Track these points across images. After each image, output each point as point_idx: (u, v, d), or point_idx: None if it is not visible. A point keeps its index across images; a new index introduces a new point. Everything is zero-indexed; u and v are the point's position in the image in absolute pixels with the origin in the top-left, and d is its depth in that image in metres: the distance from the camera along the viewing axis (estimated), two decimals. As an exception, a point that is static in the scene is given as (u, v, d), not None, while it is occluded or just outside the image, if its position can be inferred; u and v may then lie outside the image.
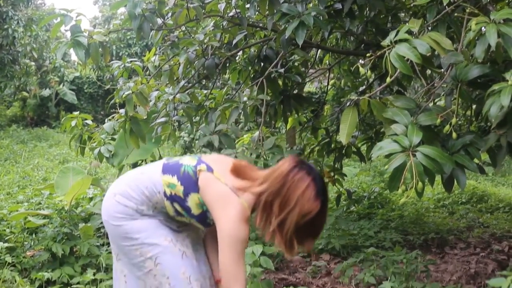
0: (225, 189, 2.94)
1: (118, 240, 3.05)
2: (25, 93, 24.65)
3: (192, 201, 2.99)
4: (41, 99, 24.64)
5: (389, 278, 4.93)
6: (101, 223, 5.74)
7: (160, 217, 3.09)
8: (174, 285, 3.00)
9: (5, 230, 5.59)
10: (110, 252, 5.13)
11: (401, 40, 3.30)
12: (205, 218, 3.03)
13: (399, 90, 5.89)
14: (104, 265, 5.00)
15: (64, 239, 5.17)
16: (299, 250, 3.12)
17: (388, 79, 3.46)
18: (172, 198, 3.00)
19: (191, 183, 2.98)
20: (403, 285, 4.76)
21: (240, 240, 2.88)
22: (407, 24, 3.51)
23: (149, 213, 3.05)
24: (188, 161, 3.08)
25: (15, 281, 4.72)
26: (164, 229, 3.08)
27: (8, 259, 5.01)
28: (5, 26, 18.75)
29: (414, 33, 3.42)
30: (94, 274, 4.83)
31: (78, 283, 4.75)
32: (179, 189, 2.99)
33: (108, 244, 5.34)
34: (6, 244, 5.18)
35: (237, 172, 3.02)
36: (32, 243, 5.47)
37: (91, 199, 6.33)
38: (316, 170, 3.04)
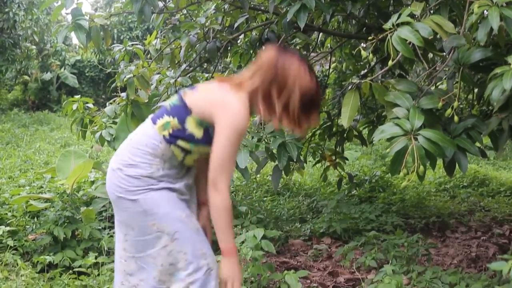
0: (217, 94, 2.98)
1: (135, 215, 3.00)
2: (26, 77, 24.62)
3: (190, 125, 2.97)
4: (42, 83, 24.61)
5: (390, 261, 4.93)
6: (103, 206, 5.77)
7: (174, 184, 3.06)
8: (190, 261, 2.99)
9: (7, 213, 5.60)
10: (111, 236, 5.14)
11: (403, 23, 3.30)
12: (210, 137, 2.95)
13: (401, 74, 5.87)
14: (106, 248, 5.00)
15: (66, 223, 5.17)
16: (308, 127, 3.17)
17: (390, 62, 3.45)
18: (173, 137, 2.98)
19: (181, 110, 2.98)
20: (404, 268, 4.77)
21: (239, 131, 2.87)
22: (409, 7, 3.50)
23: (161, 174, 3.01)
24: (170, 100, 3.10)
25: (17, 264, 4.73)
26: (181, 203, 3.07)
27: (10, 242, 5.01)
28: (6, 10, 18.67)
29: (416, 16, 3.41)
30: (96, 258, 4.83)
31: (80, 266, 4.76)
32: (174, 122, 2.97)
33: (110, 227, 5.36)
34: (8, 228, 5.19)
35: (223, 80, 3.06)
36: (34, 227, 5.48)
37: (92, 182, 6.33)
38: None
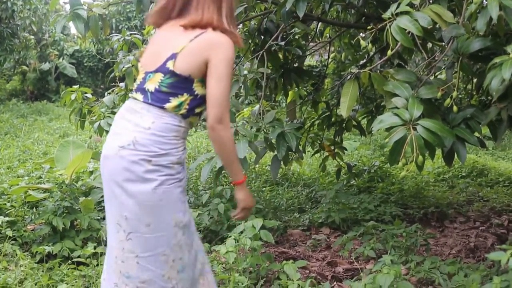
0: (199, 43, 2.90)
1: (155, 209, 2.87)
2: (24, 67, 24.58)
3: (198, 89, 2.94)
4: (40, 73, 24.55)
5: (388, 251, 4.94)
6: (102, 196, 5.76)
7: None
8: (199, 250, 3.13)
9: (5, 204, 5.59)
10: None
11: (402, 13, 3.29)
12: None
13: (400, 64, 5.87)
14: (105, 238, 5.00)
15: (65, 213, 5.16)
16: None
17: (389, 52, 3.45)
18: (190, 110, 2.96)
19: (182, 83, 2.92)
20: (402, 258, 4.78)
21: (232, 64, 2.92)
22: (408, -4, 3.48)
23: (184, 153, 3.01)
24: (152, 83, 2.94)
25: (16, 254, 4.73)
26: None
27: (9, 233, 5.01)
28: (4, -1, 18.66)
29: (415, 5, 3.40)
30: (94, 248, 4.83)
31: (78, 256, 4.75)
32: (186, 97, 2.92)
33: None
34: (6, 218, 5.18)
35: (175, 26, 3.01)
36: (32, 217, 5.48)
37: (91, 172, 6.32)
38: None
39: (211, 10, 2.93)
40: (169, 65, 2.88)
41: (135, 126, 2.89)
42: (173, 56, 2.88)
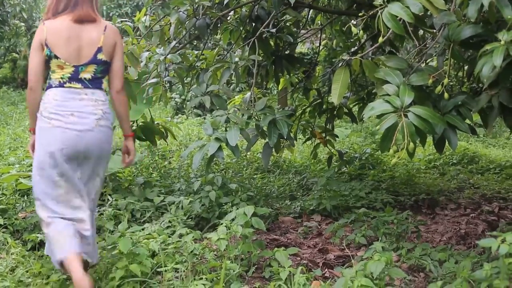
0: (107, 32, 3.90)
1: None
2: (15, 55, 24.46)
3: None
4: (31, 61, 24.42)
5: (380, 238, 4.96)
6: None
7: None
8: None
9: (-4, 192, 5.58)
10: (101, 214, 5.18)
11: (393, 0, 3.28)
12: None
13: (391, 51, 5.87)
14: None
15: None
16: None
17: (381, 39, 3.45)
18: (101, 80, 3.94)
19: (107, 67, 3.92)
20: (393, 245, 4.80)
21: None
22: (399, -17, 3.47)
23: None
24: (87, 73, 3.83)
25: (7, 242, 4.71)
26: None
27: (0, 221, 5.01)
28: (-6, -13, 18.56)
29: (407, -8, 3.39)
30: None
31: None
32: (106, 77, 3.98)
33: (100, 205, 5.36)
34: (-3, 206, 5.18)
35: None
36: (24, 205, 5.47)
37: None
38: None
39: (90, 5, 3.85)
40: (100, 56, 3.84)
41: (95, 103, 3.85)
42: (100, 49, 3.83)
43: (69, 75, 3.78)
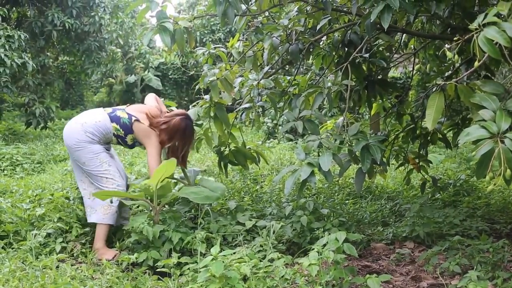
0: (147, 129, 5.66)
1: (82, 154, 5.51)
2: (111, 79, 25.24)
3: (128, 138, 5.73)
4: (127, 85, 25.16)
5: (474, 267, 4.84)
6: (187, 211, 5.84)
7: (104, 144, 5.67)
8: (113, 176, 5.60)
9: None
10: (194, 237, 5.24)
11: (489, 23, 3.24)
12: (133, 145, 5.86)
13: (487, 75, 5.76)
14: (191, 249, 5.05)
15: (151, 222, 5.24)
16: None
17: (476, 64, 3.40)
18: (117, 136, 5.69)
19: (128, 129, 5.65)
20: (489, 274, 4.67)
21: (157, 146, 5.65)
22: (495, 7, 3.42)
23: (101, 142, 5.62)
24: (122, 114, 5.66)
25: (102, 263, 4.83)
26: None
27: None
28: (92, 14, 19.16)
29: (503, 16, 3.34)
30: (178, 258, 4.88)
31: (163, 266, 4.81)
32: (122, 132, 5.66)
33: (193, 228, 5.43)
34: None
35: (149, 118, 5.71)
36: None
37: (175, 183, 6.40)
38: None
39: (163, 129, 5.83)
40: (133, 119, 5.74)
41: None
42: (137, 119, 5.73)
43: None
